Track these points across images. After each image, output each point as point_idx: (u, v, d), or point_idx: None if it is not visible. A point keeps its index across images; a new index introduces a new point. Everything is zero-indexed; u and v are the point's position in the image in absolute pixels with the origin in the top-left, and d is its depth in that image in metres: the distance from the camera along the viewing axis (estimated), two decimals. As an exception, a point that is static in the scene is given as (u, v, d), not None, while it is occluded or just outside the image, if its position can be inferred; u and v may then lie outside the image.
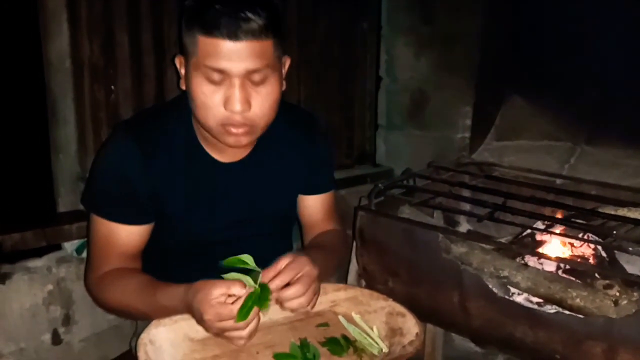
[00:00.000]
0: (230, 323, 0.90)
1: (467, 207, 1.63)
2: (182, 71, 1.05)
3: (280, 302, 0.99)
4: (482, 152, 1.99)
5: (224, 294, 0.90)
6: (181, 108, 1.10)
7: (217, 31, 0.93)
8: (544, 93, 1.95)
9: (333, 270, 1.22)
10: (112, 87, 1.44)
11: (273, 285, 0.95)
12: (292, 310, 1.02)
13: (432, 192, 1.61)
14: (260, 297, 0.92)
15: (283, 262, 0.98)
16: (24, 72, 1.33)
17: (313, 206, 1.30)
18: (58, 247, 1.41)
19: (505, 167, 1.86)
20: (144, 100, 1.50)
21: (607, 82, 1.79)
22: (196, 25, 0.95)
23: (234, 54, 0.93)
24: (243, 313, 0.89)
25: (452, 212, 1.72)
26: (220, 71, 0.95)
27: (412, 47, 2.05)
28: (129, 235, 1.09)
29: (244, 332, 0.91)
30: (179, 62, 1.06)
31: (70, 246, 1.41)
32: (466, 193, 1.70)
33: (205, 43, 0.94)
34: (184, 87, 1.05)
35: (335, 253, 1.26)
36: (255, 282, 0.94)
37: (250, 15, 0.92)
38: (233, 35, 0.92)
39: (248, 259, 0.95)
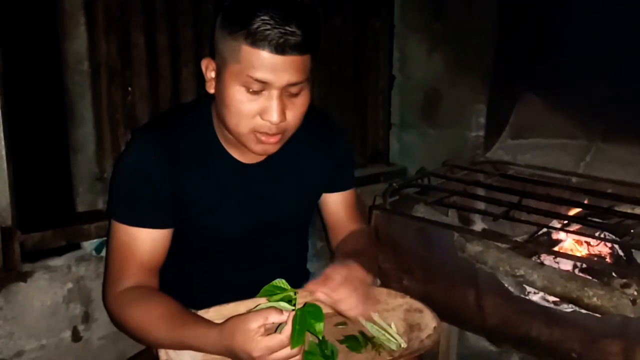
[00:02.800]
0: (284, 353, 0.85)
1: (482, 205, 1.63)
2: (212, 75, 1.03)
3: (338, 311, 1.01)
4: (497, 150, 1.98)
5: (262, 325, 0.85)
6: (200, 110, 1.10)
7: (264, 43, 0.92)
8: (559, 90, 1.93)
9: (373, 274, 1.18)
10: (129, 88, 1.46)
11: (328, 293, 0.97)
12: (350, 318, 1.03)
13: (446, 191, 1.61)
14: (309, 317, 0.85)
15: (333, 270, 1.00)
16: (43, 74, 1.35)
17: (336, 203, 1.29)
18: (77, 247, 1.43)
19: (521, 166, 1.86)
20: (160, 100, 1.52)
21: (622, 78, 1.78)
22: (240, 34, 0.94)
23: (279, 67, 0.94)
24: (296, 339, 0.83)
25: (467, 211, 1.72)
26: (262, 82, 0.95)
27: (425, 45, 2.04)
28: (150, 242, 1.06)
29: (299, 357, 0.88)
30: (208, 65, 1.04)
31: (89, 245, 1.43)
32: (481, 192, 1.70)
33: (250, 53, 0.94)
34: (212, 91, 1.04)
35: (372, 255, 1.25)
36: (292, 304, 0.89)
37: (295, 29, 0.93)
38: (280, 49, 0.93)
39: (283, 283, 0.90)
